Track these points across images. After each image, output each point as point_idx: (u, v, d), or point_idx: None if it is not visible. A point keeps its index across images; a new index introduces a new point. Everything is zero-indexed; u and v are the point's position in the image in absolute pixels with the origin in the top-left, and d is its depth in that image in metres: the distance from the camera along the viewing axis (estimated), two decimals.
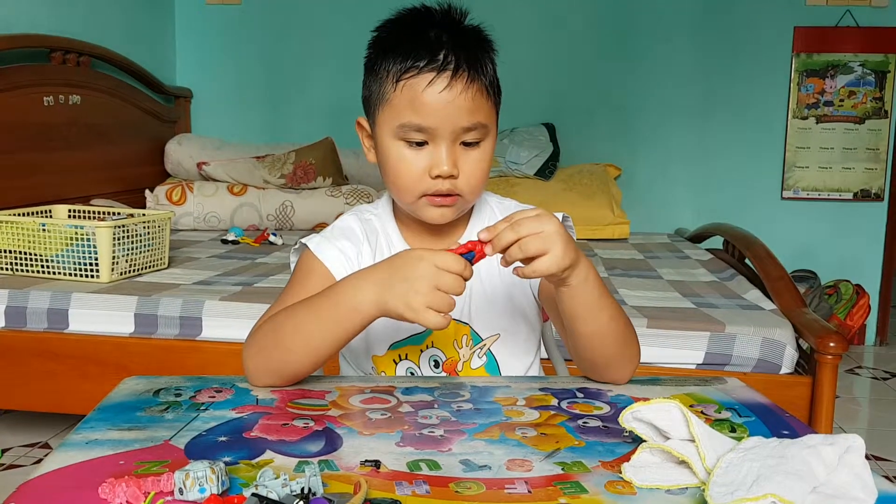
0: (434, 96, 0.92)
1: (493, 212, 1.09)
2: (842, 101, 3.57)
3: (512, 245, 0.82)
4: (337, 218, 1.11)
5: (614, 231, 3.30)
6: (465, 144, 0.95)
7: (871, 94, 3.55)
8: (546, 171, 3.42)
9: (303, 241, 1.05)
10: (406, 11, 0.98)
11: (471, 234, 1.06)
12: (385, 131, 0.96)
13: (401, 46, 0.93)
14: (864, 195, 3.60)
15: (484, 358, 1.05)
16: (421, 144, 0.94)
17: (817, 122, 3.60)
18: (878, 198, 3.60)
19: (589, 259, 0.90)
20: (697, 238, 3.29)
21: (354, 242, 1.04)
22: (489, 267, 1.04)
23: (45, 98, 2.82)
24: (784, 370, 1.86)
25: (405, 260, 0.84)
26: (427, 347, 1.04)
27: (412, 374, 1.05)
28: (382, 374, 1.05)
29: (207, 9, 3.86)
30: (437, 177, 0.94)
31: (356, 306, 0.86)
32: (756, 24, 3.58)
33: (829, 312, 3.27)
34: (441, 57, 0.92)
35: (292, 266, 1.07)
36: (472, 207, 1.06)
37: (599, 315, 0.90)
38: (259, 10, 3.83)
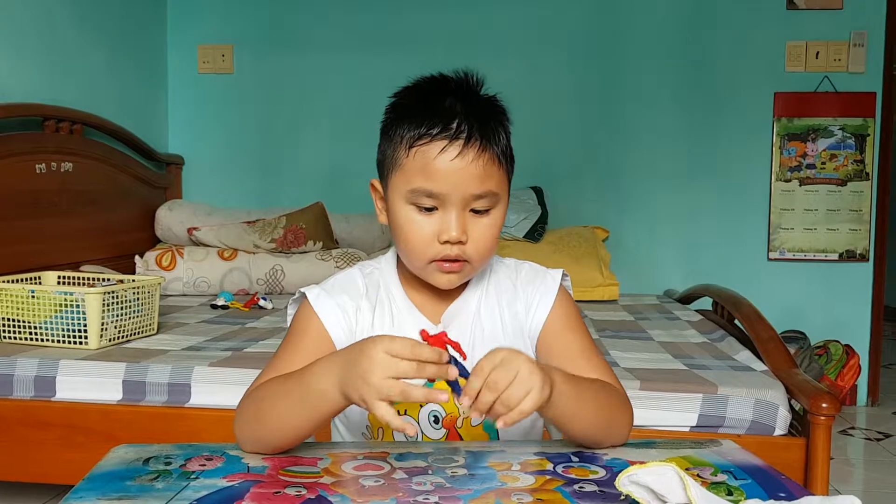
0: (445, 163, 0.93)
1: (493, 270, 1.09)
2: (823, 163, 3.64)
3: (494, 403, 0.81)
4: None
5: (604, 293, 3.31)
6: (476, 212, 0.97)
7: (852, 157, 3.62)
8: (535, 233, 3.45)
9: (302, 290, 1.05)
10: (424, 80, 1.01)
11: (471, 291, 1.07)
12: (396, 195, 0.98)
13: (415, 113, 0.96)
14: (849, 256, 3.64)
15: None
16: (431, 210, 0.96)
17: (800, 185, 3.65)
18: (864, 258, 3.64)
19: (559, 372, 0.89)
20: (686, 299, 3.31)
21: (354, 296, 1.04)
22: (492, 324, 1.05)
23: (37, 165, 2.83)
24: (778, 431, 1.85)
25: (361, 346, 0.83)
26: (426, 402, 1.03)
27: None
28: (380, 430, 1.04)
29: (200, 78, 3.92)
30: (446, 242, 0.95)
31: (325, 392, 0.86)
32: (737, 89, 3.66)
33: (820, 373, 3.26)
34: (454, 125, 0.94)
35: (289, 318, 1.07)
36: None
37: (578, 420, 0.91)
38: (250, 79, 3.90)
